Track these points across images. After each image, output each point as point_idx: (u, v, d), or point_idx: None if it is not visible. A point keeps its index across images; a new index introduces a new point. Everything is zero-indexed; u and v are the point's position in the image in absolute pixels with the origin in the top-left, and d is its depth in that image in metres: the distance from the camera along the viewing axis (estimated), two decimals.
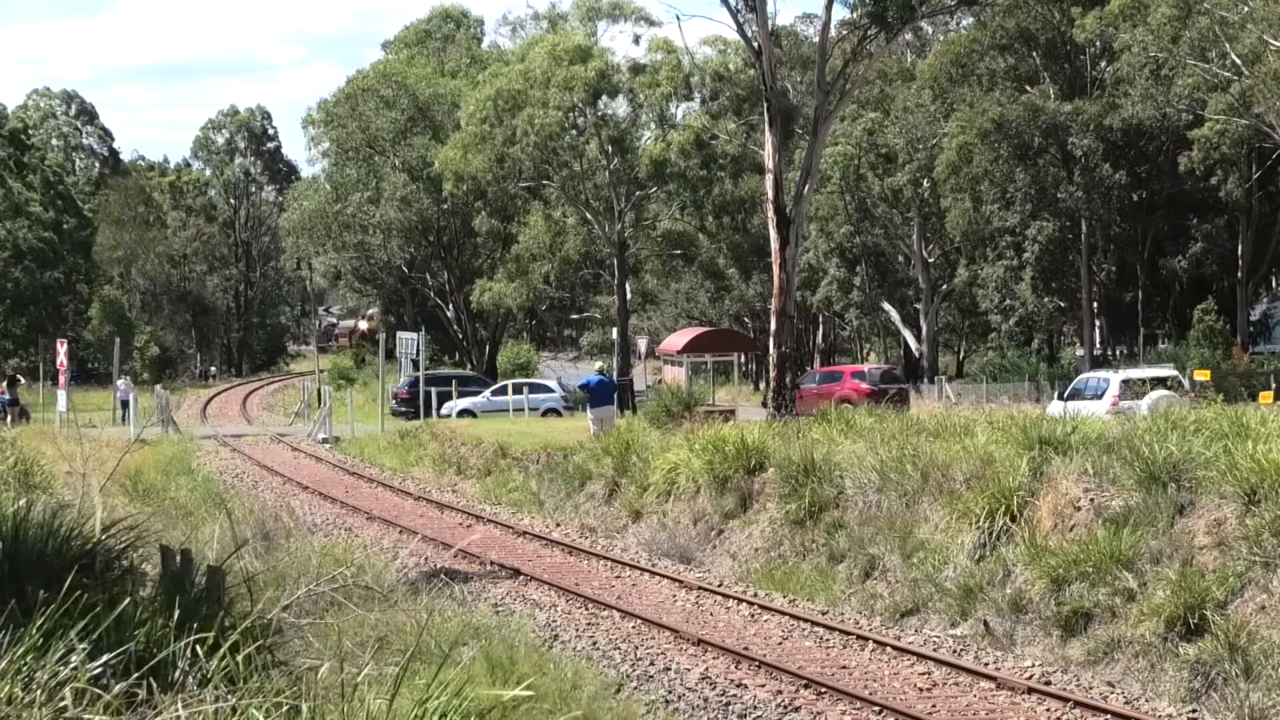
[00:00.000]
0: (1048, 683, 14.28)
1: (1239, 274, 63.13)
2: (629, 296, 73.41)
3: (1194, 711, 13.43)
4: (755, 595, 18.84)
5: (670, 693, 14.21)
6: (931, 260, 74.95)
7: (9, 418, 41.72)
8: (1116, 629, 15.11)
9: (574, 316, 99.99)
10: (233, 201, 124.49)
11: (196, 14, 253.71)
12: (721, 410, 35.77)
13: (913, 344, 76.33)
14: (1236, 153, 57.02)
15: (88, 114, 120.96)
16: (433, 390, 49.05)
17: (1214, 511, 15.39)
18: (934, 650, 15.66)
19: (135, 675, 6.79)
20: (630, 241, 69.36)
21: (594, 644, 16.26)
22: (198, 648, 7.28)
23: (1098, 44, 63.03)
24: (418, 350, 53.55)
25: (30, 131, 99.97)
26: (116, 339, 63.02)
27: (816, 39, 48.58)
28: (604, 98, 66.12)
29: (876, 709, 13.42)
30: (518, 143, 63.81)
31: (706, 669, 15.06)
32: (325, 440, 43.80)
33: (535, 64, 64.61)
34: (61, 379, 47.11)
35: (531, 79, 64.18)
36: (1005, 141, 62.17)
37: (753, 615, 17.79)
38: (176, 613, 7.85)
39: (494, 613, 17.59)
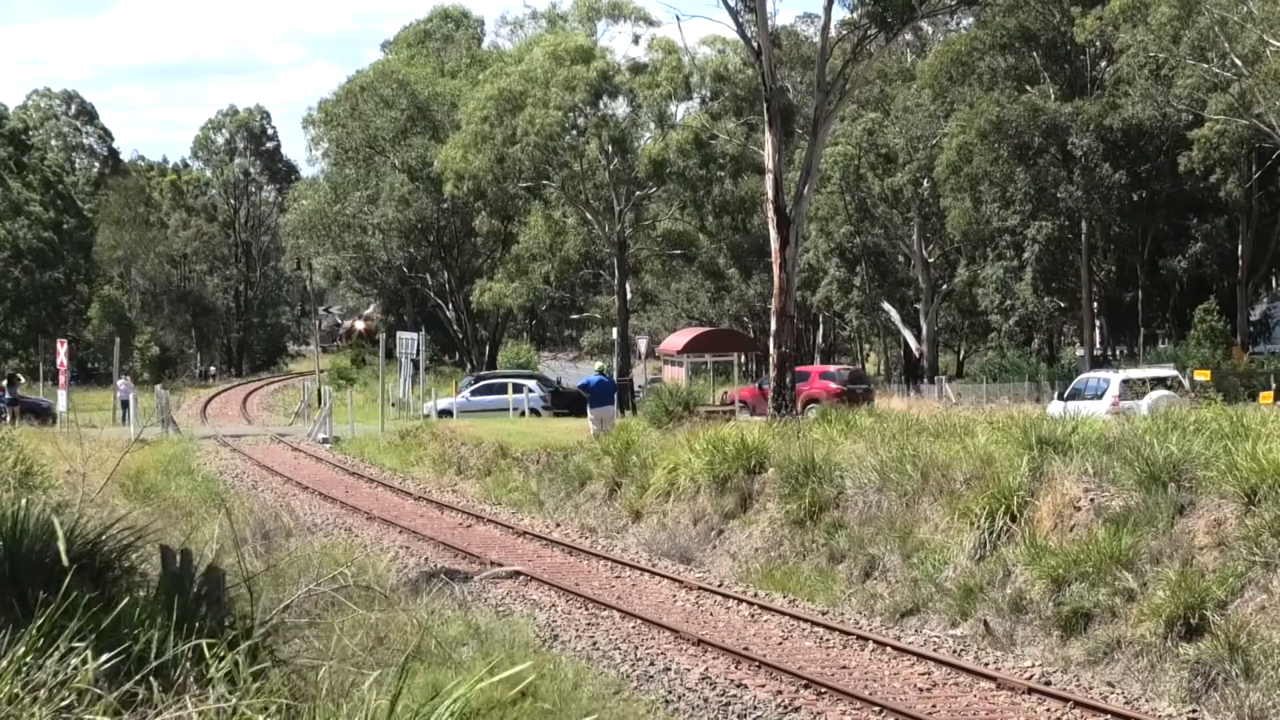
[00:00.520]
0: (1048, 683, 14.27)
1: (1239, 274, 63.14)
2: (629, 296, 73.41)
3: (1194, 711, 13.42)
4: (755, 595, 18.84)
5: (670, 693, 14.21)
6: (931, 260, 74.97)
7: (9, 417, 41.71)
8: (1116, 629, 15.11)
9: (574, 316, 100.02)
10: (233, 201, 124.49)
11: (196, 14, 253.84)
12: (722, 410, 35.77)
13: (913, 344, 76.35)
14: (1236, 153, 57.04)
15: (88, 114, 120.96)
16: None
17: (1214, 511, 15.39)
18: (934, 650, 15.66)
19: (135, 675, 6.79)
20: (630, 241, 69.37)
21: (594, 644, 16.26)
22: (198, 647, 7.28)
23: (1098, 44, 63.05)
24: (418, 350, 53.59)
25: (30, 131, 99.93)
26: (116, 339, 63.03)
27: (816, 39, 48.63)
28: (604, 98, 66.16)
29: (876, 709, 13.42)
30: (518, 143, 63.82)
31: (706, 669, 15.06)
32: (325, 440, 43.80)
33: (536, 64, 64.63)
34: (61, 379, 47.12)
35: (532, 79, 64.20)
36: (1005, 141, 62.18)
37: (753, 615, 17.79)
38: (176, 613, 7.84)
39: (494, 613, 17.58)
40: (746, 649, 15.74)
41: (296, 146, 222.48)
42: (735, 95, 65.49)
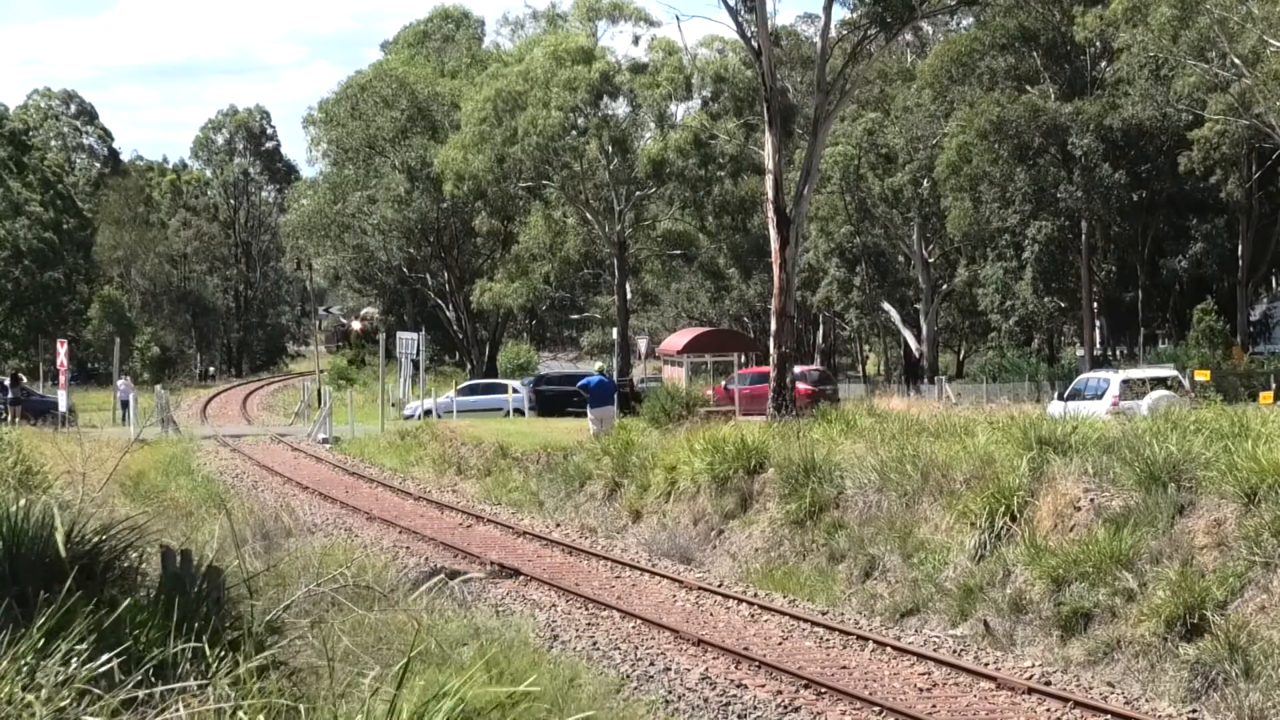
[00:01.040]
0: (1048, 683, 14.27)
1: (1239, 274, 63.14)
2: (629, 296, 73.44)
3: (1194, 711, 13.42)
4: (755, 595, 18.83)
5: (670, 693, 14.21)
6: (931, 260, 74.97)
7: (9, 417, 41.69)
8: (1116, 629, 15.11)
9: (574, 316, 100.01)
10: (232, 201, 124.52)
11: (196, 14, 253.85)
12: (721, 410, 35.76)
13: (913, 344, 76.36)
14: (1236, 153, 57.04)
15: (88, 114, 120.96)
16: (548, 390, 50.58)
17: (1214, 511, 15.39)
18: (934, 650, 15.66)
19: (135, 675, 6.79)
20: (630, 241, 69.39)
21: (594, 644, 16.26)
22: (198, 648, 7.28)
23: (1098, 44, 63.05)
24: (418, 350, 53.62)
25: (30, 132, 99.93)
26: (116, 339, 63.02)
27: (816, 39, 48.65)
28: (605, 98, 66.18)
29: (876, 709, 13.42)
30: (518, 143, 63.85)
31: (706, 669, 15.06)
32: (325, 440, 43.81)
33: (536, 64, 64.66)
34: (62, 379, 47.11)
35: (532, 79, 64.22)
36: (1005, 141, 62.17)
37: (753, 615, 17.79)
38: (176, 613, 7.84)
39: (494, 613, 17.58)
40: (746, 649, 15.75)
41: (296, 146, 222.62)
42: (735, 95, 65.52)
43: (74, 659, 6.69)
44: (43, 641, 6.84)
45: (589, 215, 67.81)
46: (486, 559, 21.81)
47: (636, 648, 16.08)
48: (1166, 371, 38.50)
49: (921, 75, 69.95)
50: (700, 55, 66.18)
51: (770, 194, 34.56)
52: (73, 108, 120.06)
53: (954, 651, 15.76)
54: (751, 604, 18.23)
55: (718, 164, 65.90)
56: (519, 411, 49.06)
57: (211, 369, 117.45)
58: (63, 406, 44.80)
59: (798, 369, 44.12)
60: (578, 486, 28.09)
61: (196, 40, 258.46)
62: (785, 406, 32.99)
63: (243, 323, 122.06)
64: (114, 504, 17.70)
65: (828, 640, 16.32)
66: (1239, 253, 62.75)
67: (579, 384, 36.15)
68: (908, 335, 76.69)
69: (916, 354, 75.90)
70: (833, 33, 38.69)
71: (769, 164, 34.75)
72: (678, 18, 79.97)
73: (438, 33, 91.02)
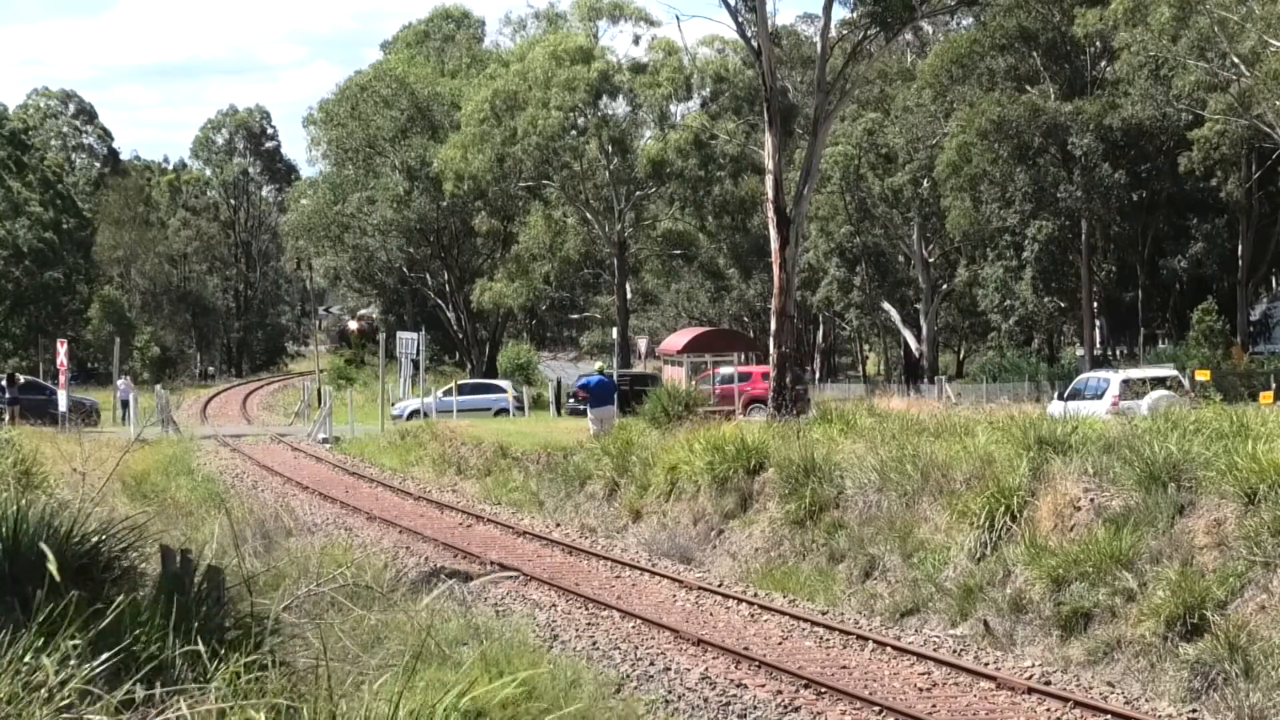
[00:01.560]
0: (1048, 683, 14.27)
1: (1239, 274, 63.15)
2: (629, 296, 73.46)
3: (1194, 711, 13.42)
4: (755, 595, 18.83)
5: (670, 692, 14.20)
6: (931, 260, 74.98)
7: (8, 415, 41.65)
8: (1116, 629, 15.11)
9: (574, 316, 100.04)
10: (232, 201, 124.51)
11: (196, 14, 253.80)
12: (721, 410, 35.75)
13: (913, 344, 76.37)
14: (1236, 153, 57.05)
15: (87, 114, 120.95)
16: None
17: (1214, 511, 15.39)
18: (934, 650, 15.65)
19: (135, 675, 6.79)
20: (630, 241, 69.43)
21: (594, 644, 16.26)
22: (198, 647, 7.27)
23: (1098, 44, 63.06)
24: (418, 350, 53.67)
25: (30, 131, 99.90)
26: (116, 339, 63.00)
27: (816, 39, 48.63)
28: (604, 98, 66.21)
29: (876, 709, 13.42)
30: (518, 143, 63.89)
31: (706, 669, 15.06)
32: (325, 440, 43.81)
33: (535, 64, 64.68)
34: (61, 379, 47.08)
35: (531, 79, 64.24)
36: (1005, 141, 62.17)
37: (753, 615, 17.78)
38: (176, 613, 7.84)
39: (494, 613, 17.58)
40: (746, 649, 15.74)
41: (296, 146, 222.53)
42: (735, 95, 65.58)
43: (73, 659, 6.69)
44: (42, 641, 6.84)
45: (589, 215, 67.82)
46: (487, 559, 21.80)
47: (636, 647, 16.08)
48: (1166, 371, 38.49)
49: (921, 75, 69.95)
50: (700, 55, 66.28)
51: (770, 194, 34.56)
52: (72, 107, 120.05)
53: (954, 651, 15.76)
54: (751, 604, 18.23)
55: (718, 164, 65.93)
56: (505, 411, 49.42)
57: (211, 369, 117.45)
58: (63, 406, 44.75)
59: (766, 369, 44.12)
60: (578, 486, 28.08)
61: (196, 40, 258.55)
62: (785, 406, 32.97)
63: (243, 323, 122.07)
64: (114, 504, 17.69)
65: (828, 640, 16.31)
66: (1239, 253, 62.75)
67: (578, 384, 36.13)
68: (908, 335, 76.70)
69: (916, 354, 75.91)
70: (833, 33, 38.68)
71: (769, 164, 34.73)
72: (678, 18, 79.91)
73: (438, 33, 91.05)
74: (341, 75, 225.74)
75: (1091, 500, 16.84)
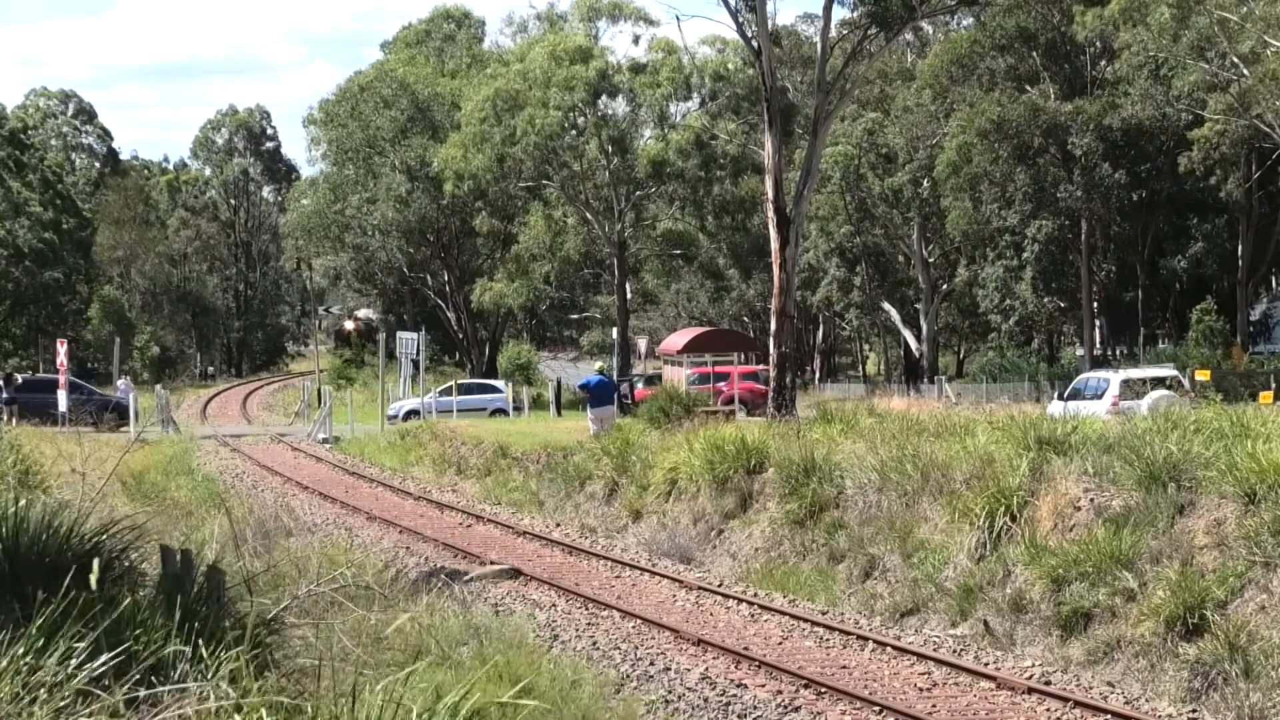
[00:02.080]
0: (1048, 683, 14.27)
1: (1239, 274, 63.15)
2: (629, 296, 73.44)
3: (1194, 711, 13.42)
4: (755, 595, 18.83)
5: (670, 692, 14.20)
6: (931, 260, 74.99)
7: (8, 416, 41.64)
8: (1116, 629, 15.11)
9: (574, 316, 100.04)
10: (232, 201, 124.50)
11: (196, 14, 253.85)
12: (721, 410, 35.73)
13: (913, 344, 76.38)
14: (1236, 153, 57.04)
15: (87, 114, 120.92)
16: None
17: (1214, 511, 15.39)
18: (934, 650, 15.66)
19: (135, 675, 6.79)
20: (630, 241, 69.40)
21: (594, 644, 16.26)
22: (198, 648, 7.28)
23: (1098, 44, 63.06)
24: (418, 350, 53.69)
25: (29, 131, 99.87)
26: (116, 339, 63.01)
27: (816, 39, 48.66)
28: (604, 98, 66.20)
29: (876, 709, 13.42)
30: (518, 142, 63.86)
31: (706, 669, 15.06)
32: (325, 440, 43.81)
33: (535, 64, 64.67)
34: (61, 379, 47.05)
35: (531, 79, 64.23)
36: (1005, 141, 62.18)
37: (753, 615, 17.79)
38: (177, 613, 7.84)
39: (494, 613, 17.58)
40: (746, 649, 15.74)
41: (296, 146, 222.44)
42: (735, 95, 65.53)
43: (74, 659, 6.69)
44: (43, 641, 6.84)
45: (589, 215, 67.81)
46: (487, 559, 21.80)
47: (636, 647, 16.08)
48: (1166, 371, 38.49)
49: (921, 75, 69.96)
50: (700, 54, 66.25)
51: (770, 194, 34.56)
52: (72, 107, 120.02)
53: (954, 651, 15.76)
54: (751, 604, 18.23)
55: (718, 164, 65.92)
56: (502, 411, 49.51)
57: (211, 369, 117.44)
58: (63, 406, 44.70)
59: (751, 369, 44.18)
60: (578, 486, 28.08)
61: (196, 40, 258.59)
62: (785, 406, 32.98)
63: (243, 323, 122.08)
64: (114, 503, 17.70)
65: (828, 640, 16.32)
66: (1239, 253, 62.75)
67: (578, 384, 36.12)
68: (908, 335, 76.70)
69: (916, 354, 75.91)
70: (833, 33, 38.71)
71: (769, 164, 34.74)
72: (678, 17, 79.91)
73: (438, 32, 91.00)
74: (341, 75, 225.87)
75: (1091, 500, 16.85)
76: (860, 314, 79.63)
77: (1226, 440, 16.45)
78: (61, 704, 6.33)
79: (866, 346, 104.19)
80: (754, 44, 35.50)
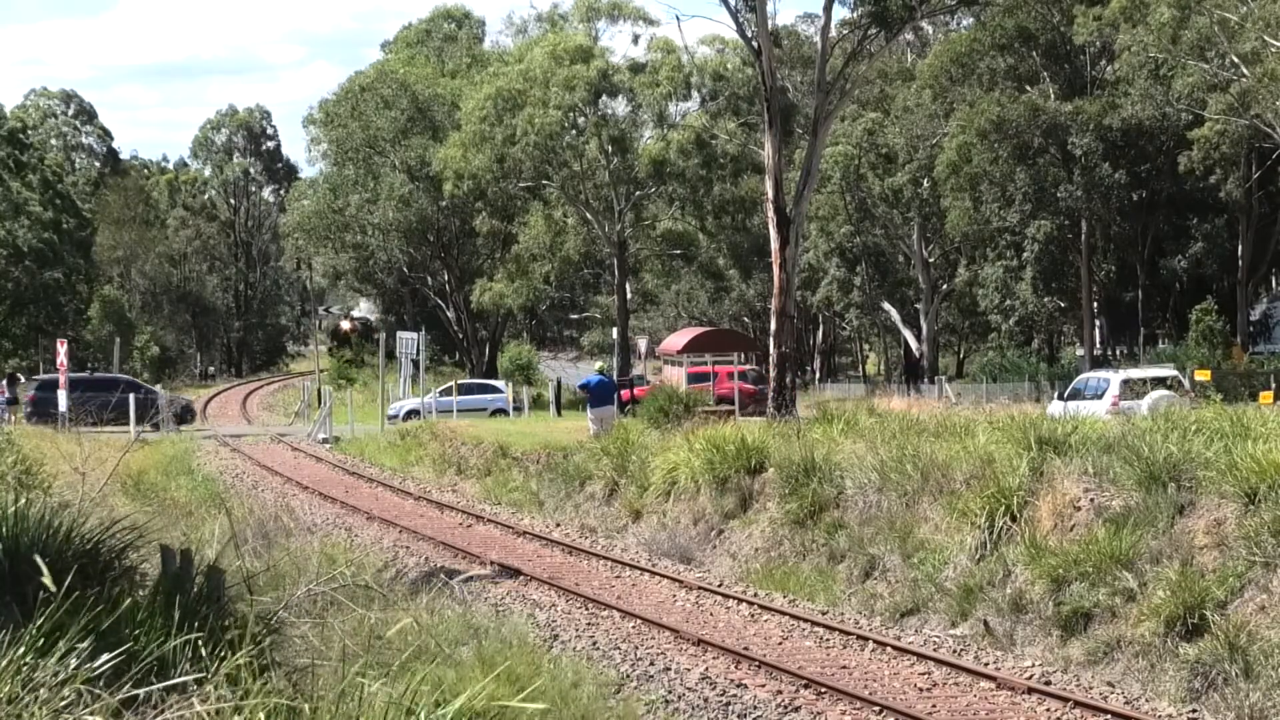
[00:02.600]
0: (1048, 683, 14.27)
1: (1239, 274, 63.15)
2: (629, 296, 73.44)
3: (1194, 711, 13.42)
4: (755, 595, 18.83)
5: (670, 692, 14.20)
6: (931, 260, 74.99)
7: (7, 416, 41.63)
8: (1116, 629, 15.11)
9: (574, 316, 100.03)
10: (232, 201, 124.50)
11: (196, 14, 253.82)
12: (721, 410, 35.73)
13: (913, 344, 76.38)
14: (1236, 153, 57.05)
15: (87, 114, 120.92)
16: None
17: (1214, 511, 15.39)
18: (934, 650, 15.66)
19: (135, 675, 6.79)
20: (630, 241, 69.40)
21: (594, 644, 16.26)
22: (198, 647, 7.28)
23: (1098, 44, 63.07)
24: (418, 350, 53.69)
25: (29, 131, 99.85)
26: (116, 339, 63.07)
27: (817, 39, 48.67)
28: (604, 97, 66.20)
29: (876, 709, 13.42)
30: (518, 142, 63.86)
31: (706, 669, 15.06)
32: (325, 440, 43.80)
33: (535, 64, 64.67)
34: (62, 379, 47.03)
35: (531, 79, 64.24)
36: (1005, 141, 62.20)
37: (753, 615, 17.79)
38: (176, 613, 7.85)
39: (494, 612, 17.58)
40: (746, 649, 15.74)
41: (296, 146, 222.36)
42: (735, 95, 65.54)
43: (74, 658, 6.69)
44: (42, 641, 6.84)
45: (589, 215, 67.81)
46: (487, 559, 21.80)
47: (636, 647, 16.08)
48: (1166, 371, 38.49)
49: (921, 75, 69.98)
50: (700, 54, 66.24)
51: (770, 194, 34.56)
52: (72, 108, 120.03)
53: (954, 651, 15.76)
54: (751, 604, 18.23)
55: (718, 164, 65.93)
56: (502, 411, 49.54)
57: (211, 369, 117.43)
58: (62, 406, 44.67)
59: (738, 369, 44.17)
60: (578, 486, 28.08)
61: (196, 40, 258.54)
62: (785, 406, 32.98)
63: (243, 322, 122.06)
64: (114, 503, 17.70)
65: (828, 640, 16.32)
66: (1239, 253, 62.76)
67: (578, 384, 36.13)
68: (908, 335, 76.71)
69: (916, 354, 75.91)
70: (833, 33, 38.71)
71: (769, 164, 34.74)
72: (677, 17, 79.87)
73: (438, 32, 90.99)
74: (341, 75, 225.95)
75: (1091, 500, 16.85)
76: (860, 314, 79.64)
77: (1226, 440, 16.45)
78: (61, 704, 6.33)
79: (866, 346, 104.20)
80: (754, 44, 35.49)
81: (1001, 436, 19.42)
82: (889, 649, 15.72)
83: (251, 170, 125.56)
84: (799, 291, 51.83)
